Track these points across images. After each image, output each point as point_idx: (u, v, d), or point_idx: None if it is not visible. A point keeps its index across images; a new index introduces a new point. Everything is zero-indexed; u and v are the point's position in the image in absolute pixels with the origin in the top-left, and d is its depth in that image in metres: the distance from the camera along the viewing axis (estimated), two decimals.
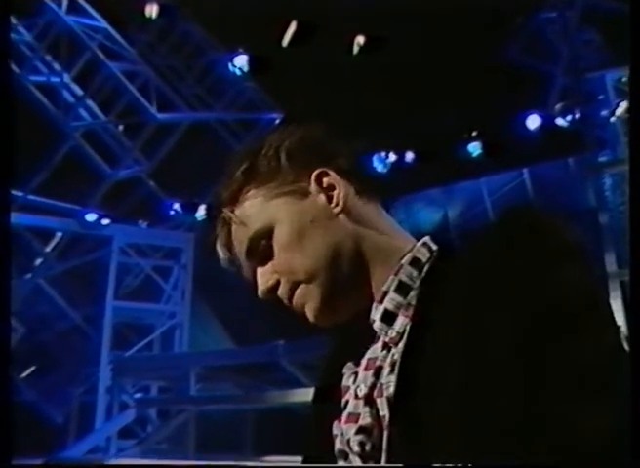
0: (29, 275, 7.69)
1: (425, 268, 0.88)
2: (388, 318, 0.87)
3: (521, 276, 0.77)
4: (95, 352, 7.51)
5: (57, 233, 7.79)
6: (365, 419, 0.84)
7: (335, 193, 0.91)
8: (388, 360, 0.85)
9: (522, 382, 0.73)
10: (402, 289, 0.87)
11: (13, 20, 7.24)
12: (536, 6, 7.14)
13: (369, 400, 0.84)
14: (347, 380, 0.91)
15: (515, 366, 0.74)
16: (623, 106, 6.15)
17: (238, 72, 7.17)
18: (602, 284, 0.84)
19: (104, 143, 7.64)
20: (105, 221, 7.47)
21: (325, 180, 0.92)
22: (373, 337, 0.90)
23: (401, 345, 0.84)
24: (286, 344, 5.36)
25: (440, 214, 8.46)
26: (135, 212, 7.85)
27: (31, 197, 7.41)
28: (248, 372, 6.03)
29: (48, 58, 7.53)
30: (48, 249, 7.77)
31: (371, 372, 0.86)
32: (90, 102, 7.60)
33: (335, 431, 0.89)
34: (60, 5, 7.38)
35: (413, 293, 0.87)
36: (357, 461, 0.85)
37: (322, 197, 0.91)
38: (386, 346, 0.87)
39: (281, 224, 0.91)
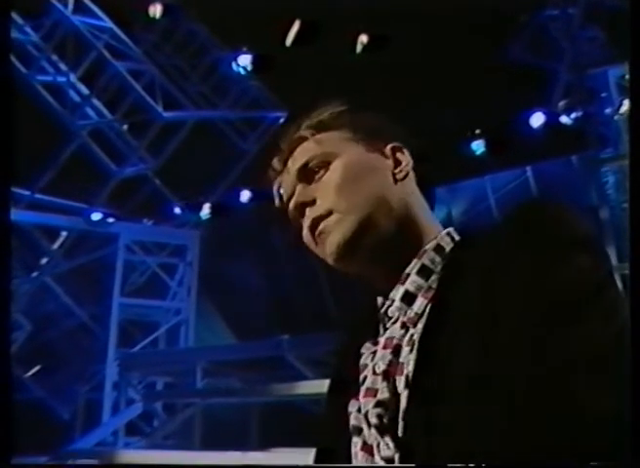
0: (36, 273, 7.74)
1: (447, 255, 0.93)
2: (408, 299, 0.91)
3: (536, 262, 0.81)
4: (101, 350, 7.54)
5: (63, 231, 7.84)
6: (383, 394, 0.87)
7: (402, 166, 0.99)
8: (406, 339, 0.89)
9: (535, 362, 0.77)
10: (424, 272, 0.92)
11: (19, 21, 7.31)
12: (539, 4, 7.15)
13: (387, 376, 0.88)
14: (366, 359, 0.94)
15: (529, 346, 0.78)
16: (627, 104, 6.16)
17: (242, 71, 7.20)
18: (612, 272, 0.89)
19: (111, 142, 7.70)
20: (110, 220, 7.52)
21: (398, 154, 1.00)
22: (377, 332, 0.95)
23: (420, 326, 0.88)
24: (291, 339, 5.41)
25: (444, 211, 8.48)
26: (140, 209, 7.90)
27: (38, 196, 7.47)
28: (253, 368, 6.07)
29: (54, 57, 7.58)
30: (55, 246, 7.82)
31: (389, 351, 0.90)
32: (96, 101, 7.65)
33: (350, 408, 0.92)
34: (66, 5, 7.43)
35: (434, 277, 0.91)
36: (373, 434, 0.88)
37: (390, 162, 0.99)
38: (404, 326, 0.90)
39: (346, 157, 0.97)
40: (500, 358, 0.78)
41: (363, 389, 0.91)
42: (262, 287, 9.03)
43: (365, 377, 0.92)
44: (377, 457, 0.87)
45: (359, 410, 0.91)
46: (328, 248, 0.94)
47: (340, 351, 1.05)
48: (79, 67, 7.56)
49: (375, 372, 0.90)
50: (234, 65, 7.26)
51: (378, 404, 0.87)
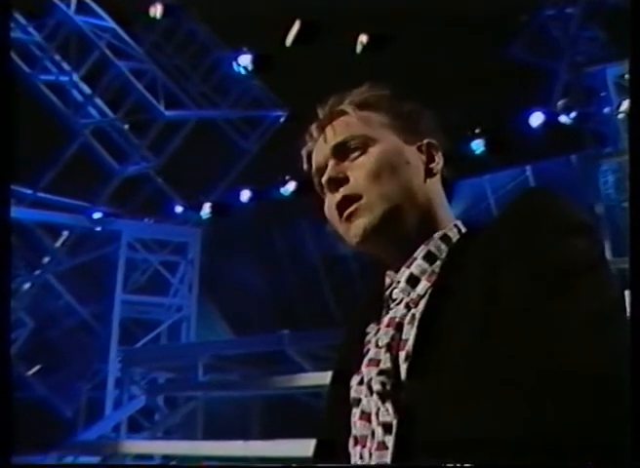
0: (39, 271, 7.78)
1: (453, 244, 0.99)
2: (412, 281, 0.97)
3: (533, 245, 0.87)
4: (103, 348, 7.58)
5: (66, 228, 7.87)
6: (386, 364, 0.92)
7: (434, 163, 1.04)
8: (408, 318, 0.94)
9: (531, 336, 0.81)
10: (429, 257, 0.98)
11: (23, 21, 7.35)
12: (539, 3, 7.17)
13: (389, 349, 0.93)
14: (370, 337, 0.99)
15: (525, 322, 0.82)
16: (626, 103, 6.18)
17: (243, 71, 7.24)
18: (604, 254, 0.95)
19: (113, 141, 7.74)
20: (112, 219, 7.57)
21: (432, 150, 1.04)
22: (381, 315, 0.99)
23: (421, 305, 0.93)
24: (291, 334, 5.46)
25: None
26: (143, 208, 7.94)
27: (41, 194, 7.51)
28: (254, 363, 6.11)
29: (57, 57, 7.62)
30: (57, 244, 7.85)
31: (392, 328, 0.95)
32: (98, 101, 7.69)
33: (351, 382, 0.97)
34: (68, 5, 7.48)
35: (438, 263, 0.97)
36: (373, 400, 0.92)
37: (424, 157, 1.03)
38: (407, 306, 0.96)
39: (384, 145, 1.01)
40: (497, 333, 0.83)
41: (366, 360, 0.96)
42: (263, 286, 9.06)
43: (368, 350, 0.97)
44: (374, 423, 0.92)
45: (360, 383, 0.95)
46: (354, 230, 0.99)
47: (346, 334, 1.09)
48: (82, 67, 7.61)
49: (378, 346, 0.95)
50: (235, 65, 7.29)
51: (381, 372, 0.92)
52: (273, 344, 5.58)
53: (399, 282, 0.98)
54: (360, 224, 0.98)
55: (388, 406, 0.90)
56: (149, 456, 5.82)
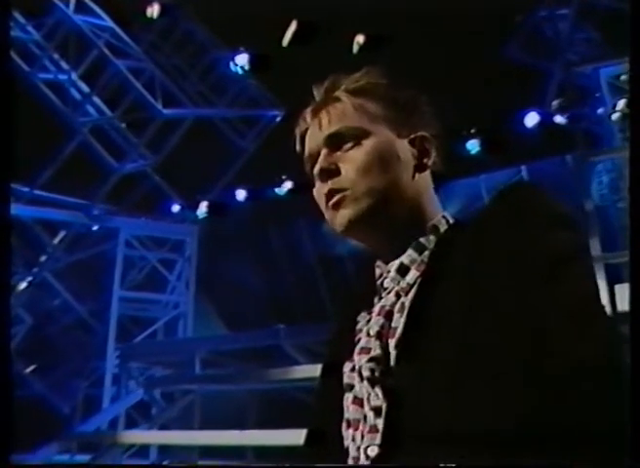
0: (36, 268, 7.81)
1: (441, 235, 1.03)
2: (402, 270, 1.01)
3: (518, 235, 0.91)
4: (100, 346, 7.62)
5: (64, 225, 7.90)
6: (376, 351, 0.96)
7: (425, 157, 1.05)
8: (398, 306, 0.98)
9: (519, 324, 0.85)
10: (418, 247, 1.01)
11: (22, 20, 7.39)
12: (534, 4, 7.21)
13: (379, 337, 0.97)
14: (361, 326, 1.03)
15: (511, 311, 0.87)
16: (620, 104, 6.21)
17: (240, 71, 7.27)
18: (587, 245, 1.01)
19: (111, 139, 7.77)
20: (109, 217, 7.62)
21: (425, 143, 1.05)
22: (372, 304, 1.03)
23: (410, 294, 0.98)
24: (287, 328, 5.50)
25: None
26: (140, 205, 7.97)
27: (39, 192, 7.54)
28: (250, 358, 6.14)
29: (56, 56, 7.65)
30: (55, 241, 7.89)
31: (382, 316, 0.99)
32: (97, 99, 7.73)
33: (344, 369, 1.01)
34: (67, 4, 7.51)
35: (427, 253, 1.01)
36: (364, 386, 0.96)
37: (415, 150, 1.04)
38: (397, 295, 1.00)
39: (377, 140, 1.02)
40: (484, 321, 0.88)
41: (357, 348, 0.99)
42: (260, 284, 9.08)
43: (359, 339, 1.01)
44: (366, 407, 0.95)
45: (352, 370, 0.99)
46: (339, 219, 1.01)
47: (338, 323, 1.13)
48: (80, 66, 7.64)
49: (368, 334, 0.99)
50: (232, 65, 7.32)
51: (370, 359, 0.95)
52: (269, 339, 5.61)
53: (389, 271, 1.02)
54: (345, 215, 1.00)
55: (378, 391, 0.94)
56: (146, 447, 5.84)
